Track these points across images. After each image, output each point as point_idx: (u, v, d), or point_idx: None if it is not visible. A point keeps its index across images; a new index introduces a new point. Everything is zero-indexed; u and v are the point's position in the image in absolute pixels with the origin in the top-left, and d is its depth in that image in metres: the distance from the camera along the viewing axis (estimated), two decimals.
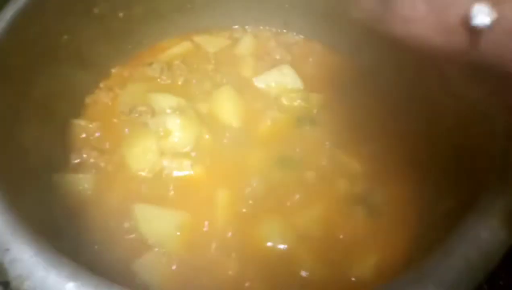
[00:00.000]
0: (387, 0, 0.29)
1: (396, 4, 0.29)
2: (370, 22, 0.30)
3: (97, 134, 0.70)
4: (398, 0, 0.29)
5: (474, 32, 0.26)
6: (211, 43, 0.85)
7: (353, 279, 0.58)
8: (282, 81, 0.78)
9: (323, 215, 0.63)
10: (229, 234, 0.61)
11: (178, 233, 0.60)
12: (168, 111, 0.72)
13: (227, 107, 0.73)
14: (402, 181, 0.65)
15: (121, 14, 0.73)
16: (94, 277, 0.36)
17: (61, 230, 0.60)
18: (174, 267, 0.58)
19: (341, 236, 0.61)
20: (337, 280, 0.57)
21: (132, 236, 0.60)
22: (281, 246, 0.60)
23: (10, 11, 0.57)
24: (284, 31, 0.88)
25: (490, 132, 0.48)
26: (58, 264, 0.36)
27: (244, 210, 0.63)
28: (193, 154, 0.68)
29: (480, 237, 0.38)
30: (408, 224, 0.60)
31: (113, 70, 0.78)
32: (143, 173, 0.66)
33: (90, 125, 0.70)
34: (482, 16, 0.25)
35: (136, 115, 0.72)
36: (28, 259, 0.36)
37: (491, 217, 0.39)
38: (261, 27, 0.88)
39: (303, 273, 0.57)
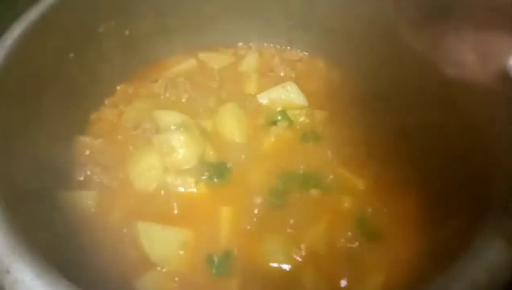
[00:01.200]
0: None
1: (449, 49, 0.33)
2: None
3: (101, 151, 0.70)
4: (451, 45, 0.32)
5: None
6: (215, 60, 0.85)
7: None
8: (286, 98, 0.78)
9: (328, 234, 0.62)
10: (232, 253, 0.60)
11: (181, 252, 0.60)
12: (173, 128, 0.72)
13: (231, 124, 0.73)
14: (405, 200, 0.64)
15: (126, 32, 0.74)
16: None
17: (63, 247, 0.59)
18: (176, 286, 0.57)
19: (346, 255, 0.60)
20: None
21: (135, 253, 0.60)
22: (285, 266, 0.59)
23: (17, 29, 0.57)
24: (288, 48, 0.88)
25: (495, 155, 0.48)
26: (58, 286, 0.36)
27: (248, 227, 0.62)
28: (197, 170, 0.68)
29: (488, 259, 0.37)
30: (413, 243, 0.59)
31: (118, 87, 0.79)
32: (146, 190, 0.66)
33: (95, 142, 0.70)
34: None
35: (141, 131, 0.72)
36: (29, 281, 0.36)
37: (498, 238, 0.39)
38: (266, 44, 0.88)
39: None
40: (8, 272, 0.36)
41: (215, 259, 0.59)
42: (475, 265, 0.37)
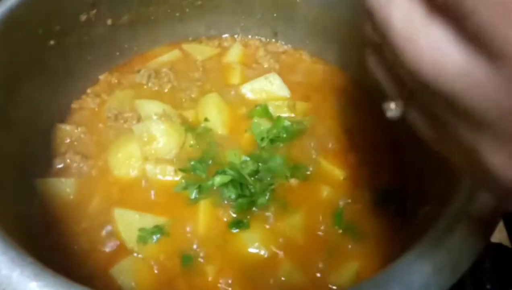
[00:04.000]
0: None
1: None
2: None
3: (82, 139, 0.70)
4: None
5: None
6: (200, 51, 0.85)
7: (333, 286, 0.57)
8: (269, 89, 0.79)
9: (305, 223, 0.63)
10: (210, 239, 0.60)
11: (158, 239, 0.60)
12: (154, 117, 0.72)
13: (213, 114, 0.74)
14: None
15: (109, 22, 0.74)
16: (58, 277, 0.36)
17: (41, 234, 0.60)
18: (152, 272, 0.57)
19: (322, 244, 0.61)
20: (317, 287, 0.57)
21: (112, 240, 0.60)
22: (262, 253, 0.60)
23: None
24: (273, 40, 0.88)
25: None
26: (23, 263, 0.36)
27: (225, 217, 0.63)
28: (177, 159, 0.68)
29: (449, 243, 0.37)
30: (387, 232, 0.60)
31: (100, 77, 0.79)
32: (126, 178, 0.66)
33: (76, 130, 0.71)
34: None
35: (122, 121, 0.72)
36: None
37: (462, 222, 0.39)
38: (250, 36, 0.88)
39: (283, 279, 0.57)
40: None
41: (192, 248, 0.60)
42: (436, 248, 0.37)
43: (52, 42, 0.66)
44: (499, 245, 0.65)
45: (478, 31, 0.21)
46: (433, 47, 0.23)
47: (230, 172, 0.64)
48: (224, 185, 0.64)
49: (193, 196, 0.64)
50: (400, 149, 0.67)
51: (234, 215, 0.63)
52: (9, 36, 0.59)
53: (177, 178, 0.66)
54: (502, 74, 0.21)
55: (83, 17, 0.69)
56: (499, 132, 0.23)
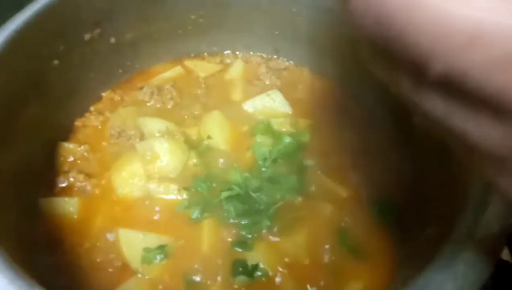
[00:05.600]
0: None
1: None
2: None
3: (85, 158, 0.70)
4: None
5: None
6: (202, 68, 0.86)
7: None
8: (271, 106, 0.79)
9: (309, 241, 0.63)
10: (214, 260, 0.61)
11: (163, 258, 0.60)
12: (157, 135, 0.72)
13: (216, 132, 0.74)
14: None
15: (112, 40, 0.75)
16: None
17: (44, 254, 0.60)
18: None
19: (326, 264, 0.61)
20: None
21: (116, 261, 0.60)
22: (267, 271, 0.60)
23: (1, 36, 0.58)
24: (274, 57, 0.89)
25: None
26: None
27: (229, 237, 0.63)
28: (180, 178, 0.69)
29: (456, 269, 0.38)
30: (392, 252, 0.60)
31: (103, 94, 0.79)
32: (129, 197, 0.66)
33: (79, 149, 0.71)
34: None
35: (125, 138, 0.72)
36: (2, 287, 0.36)
37: (467, 248, 0.39)
38: (252, 53, 0.89)
39: None
40: None
41: (196, 268, 0.60)
42: (443, 274, 0.38)
43: (56, 62, 0.66)
44: (502, 262, 0.65)
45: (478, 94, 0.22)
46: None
47: (236, 188, 0.64)
48: (230, 199, 0.64)
49: (194, 215, 0.64)
50: (403, 168, 0.67)
51: (238, 235, 0.63)
52: (14, 56, 0.59)
53: (180, 197, 0.67)
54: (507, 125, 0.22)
55: (87, 36, 0.70)
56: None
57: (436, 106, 0.25)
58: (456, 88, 0.23)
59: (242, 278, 0.59)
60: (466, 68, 0.21)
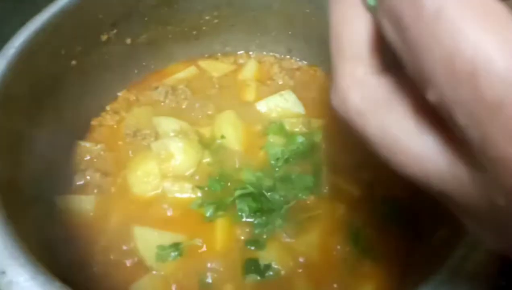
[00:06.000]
0: None
1: None
2: None
3: (101, 156, 0.72)
4: None
5: None
6: (215, 68, 0.87)
7: None
8: (284, 106, 0.79)
9: (321, 241, 0.63)
10: (228, 257, 0.61)
11: (177, 256, 0.61)
12: (171, 134, 0.73)
13: (229, 131, 0.75)
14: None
15: (128, 41, 0.76)
16: None
17: (60, 251, 0.61)
18: None
19: (338, 263, 0.61)
20: None
21: (131, 258, 0.61)
22: (279, 271, 0.60)
23: (20, 38, 0.59)
24: (288, 57, 0.89)
25: None
26: (52, 287, 0.37)
27: (242, 235, 0.63)
28: (194, 177, 0.69)
29: (469, 271, 0.38)
30: (404, 252, 0.60)
31: (119, 94, 0.80)
32: (144, 196, 0.67)
33: (95, 147, 0.72)
34: None
35: (140, 138, 0.73)
36: (23, 282, 0.37)
37: (480, 250, 0.39)
38: (265, 53, 0.90)
39: None
40: (3, 272, 0.37)
41: (209, 266, 0.60)
42: (456, 277, 0.38)
43: (73, 62, 0.68)
44: None
45: (470, 145, 0.20)
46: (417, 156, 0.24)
47: (250, 187, 0.65)
48: (243, 198, 0.65)
49: (208, 213, 0.65)
50: None
51: (251, 233, 0.64)
52: (33, 57, 0.60)
53: (194, 196, 0.67)
54: (483, 180, 0.21)
55: (104, 37, 0.71)
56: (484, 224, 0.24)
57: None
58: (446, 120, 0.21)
59: (253, 277, 0.60)
60: (456, 105, 0.20)
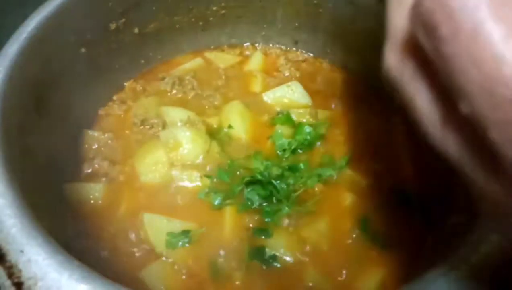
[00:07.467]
0: None
1: None
2: None
3: (109, 145, 0.72)
4: None
5: None
6: (222, 60, 0.87)
7: None
8: (290, 97, 0.80)
9: (330, 229, 0.64)
10: (236, 245, 0.61)
11: (186, 243, 0.61)
12: (179, 124, 0.73)
13: (236, 121, 0.75)
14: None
15: (136, 30, 0.76)
16: (105, 280, 0.37)
17: (70, 237, 0.61)
18: (180, 276, 0.58)
19: (347, 251, 0.62)
20: None
21: (141, 244, 0.61)
22: (288, 259, 0.61)
23: (32, 23, 0.59)
24: (294, 49, 0.90)
25: None
26: (71, 266, 0.37)
27: (250, 223, 0.64)
28: (203, 166, 0.70)
29: (474, 261, 0.38)
30: (413, 240, 0.60)
31: (126, 84, 0.80)
32: (152, 184, 0.67)
33: (103, 136, 0.72)
34: None
35: (148, 127, 0.73)
36: (42, 261, 0.37)
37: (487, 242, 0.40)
38: (271, 45, 0.90)
39: (310, 284, 0.58)
40: (22, 251, 0.37)
41: (218, 253, 0.61)
42: (467, 264, 0.38)
43: (83, 50, 0.68)
44: None
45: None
46: None
47: (258, 175, 0.65)
48: (252, 186, 0.65)
49: (216, 202, 0.65)
50: (424, 157, 0.67)
51: (259, 221, 0.64)
52: (44, 42, 0.60)
53: (202, 184, 0.68)
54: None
55: (113, 26, 0.71)
56: None
57: (452, 149, 0.25)
58: (475, 137, 0.21)
59: (260, 265, 0.60)
60: (492, 124, 0.20)
